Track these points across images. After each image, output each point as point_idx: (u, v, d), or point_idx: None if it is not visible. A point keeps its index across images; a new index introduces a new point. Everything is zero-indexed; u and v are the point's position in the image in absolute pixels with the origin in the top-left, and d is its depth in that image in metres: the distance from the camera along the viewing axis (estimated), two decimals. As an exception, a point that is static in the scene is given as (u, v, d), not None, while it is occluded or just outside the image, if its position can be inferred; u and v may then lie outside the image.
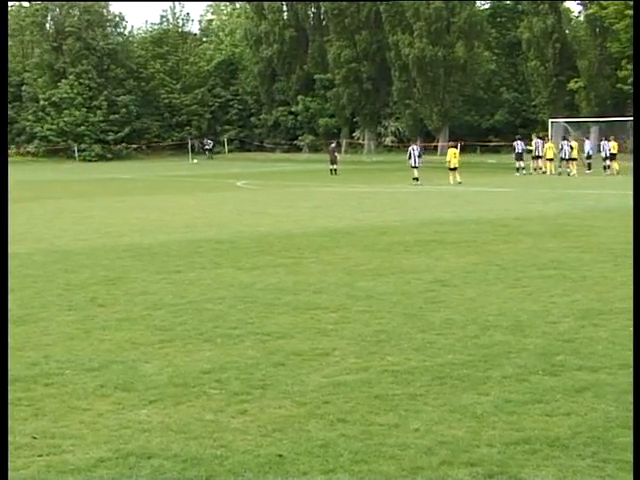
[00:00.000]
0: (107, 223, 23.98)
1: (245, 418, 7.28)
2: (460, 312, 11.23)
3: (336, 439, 6.73)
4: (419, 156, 41.83)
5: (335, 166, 50.93)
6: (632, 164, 42.81)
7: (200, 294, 12.86)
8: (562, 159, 46.28)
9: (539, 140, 49.64)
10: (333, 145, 55.46)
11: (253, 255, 16.99)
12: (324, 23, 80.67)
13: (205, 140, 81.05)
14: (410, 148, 43.00)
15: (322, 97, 79.61)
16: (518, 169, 48.01)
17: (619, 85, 60.70)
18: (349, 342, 9.77)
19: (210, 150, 79.30)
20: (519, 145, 48.62)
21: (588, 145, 49.94)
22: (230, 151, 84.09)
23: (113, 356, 9.35)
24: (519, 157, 48.43)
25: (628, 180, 40.25)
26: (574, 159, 46.51)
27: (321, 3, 79.54)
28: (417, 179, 40.50)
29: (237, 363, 8.95)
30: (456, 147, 43.95)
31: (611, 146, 47.43)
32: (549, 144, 49.07)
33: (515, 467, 6.15)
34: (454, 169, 40.72)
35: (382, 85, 75.39)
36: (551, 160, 47.97)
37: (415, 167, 41.24)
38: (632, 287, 12.32)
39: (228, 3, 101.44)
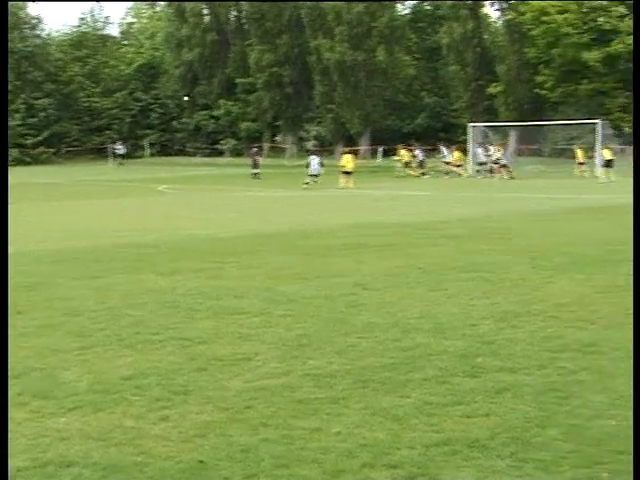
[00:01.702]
0: (27, 228, 23.61)
1: (166, 424, 7.23)
2: (382, 315, 11.29)
3: (258, 444, 6.72)
4: (321, 164, 42.95)
5: (257, 170, 51.11)
6: (596, 166, 44.32)
7: (121, 300, 12.73)
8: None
9: (444, 147, 51.80)
10: (255, 149, 55.67)
11: (175, 260, 16.87)
12: (245, 27, 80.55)
13: (117, 145, 78.69)
14: (309, 158, 44.15)
15: (244, 101, 79.49)
16: (424, 174, 50.59)
17: (537, 90, 61.63)
18: (271, 346, 9.76)
19: (121, 156, 76.84)
20: (420, 153, 51.64)
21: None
22: (151, 155, 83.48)
23: (32, 363, 9.21)
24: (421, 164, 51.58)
25: (542, 184, 40.96)
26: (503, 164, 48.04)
27: (242, 7, 79.39)
28: (308, 183, 41.66)
29: (158, 369, 8.88)
30: (351, 153, 45.59)
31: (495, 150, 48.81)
32: (456, 151, 51.30)
33: (435, 468, 6.21)
34: (349, 173, 42.06)
35: (304, 89, 75.58)
36: (459, 166, 50.55)
37: (313, 175, 42.32)
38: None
39: (148, 6, 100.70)
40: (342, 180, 41.71)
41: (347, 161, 42.98)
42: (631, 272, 14.33)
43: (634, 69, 41.86)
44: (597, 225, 22.44)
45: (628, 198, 31.31)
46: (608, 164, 44.80)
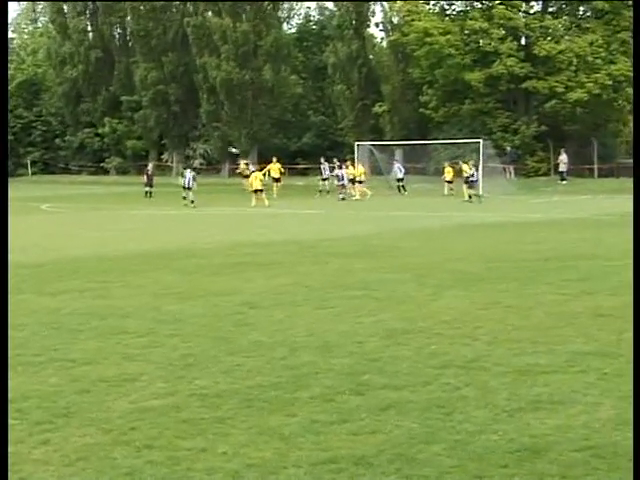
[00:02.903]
0: None
1: (47, 448, 7.07)
2: (268, 334, 11.28)
3: (142, 466, 6.62)
4: (194, 179, 43.08)
5: (150, 189, 51.09)
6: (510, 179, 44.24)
7: (1, 321, 12.43)
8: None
9: (326, 163, 52.07)
10: (148, 167, 55.44)
11: (59, 280, 16.58)
12: (130, 44, 79.77)
13: None
14: (186, 172, 44.30)
15: (129, 119, 78.63)
16: (321, 191, 50.62)
17: (421, 110, 62.55)
18: (157, 367, 9.66)
19: None
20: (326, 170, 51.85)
21: (397, 168, 51.68)
22: (34, 173, 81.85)
23: None
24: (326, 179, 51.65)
25: (427, 202, 41.57)
26: (361, 182, 47.86)
27: (127, 24, 78.72)
28: (185, 197, 41.83)
29: (39, 391, 8.69)
30: (259, 170, 46.09)
31: (354, 171, 48.45)
32: (344, 169, 52.01)
33: (322, 487, 6.22)
34: (259, 191, 42.13)
35: (190, 107, 75.15)
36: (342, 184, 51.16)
37: (188, 188, 42.34)
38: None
39: (29, 22, 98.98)
40: (254, 199, 41.63)
41: (255, 179, 43.04)
42: (510, 289, 14.69)
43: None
44: (477, 243, 22.85)
45: (506, 216, 32.05)
46: (467, 181, 43.45)
